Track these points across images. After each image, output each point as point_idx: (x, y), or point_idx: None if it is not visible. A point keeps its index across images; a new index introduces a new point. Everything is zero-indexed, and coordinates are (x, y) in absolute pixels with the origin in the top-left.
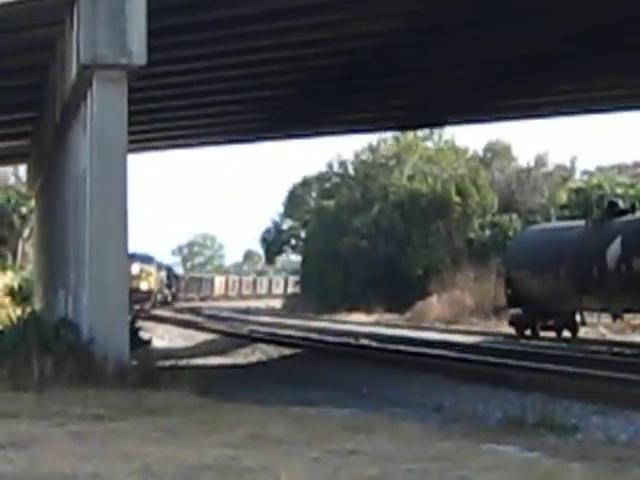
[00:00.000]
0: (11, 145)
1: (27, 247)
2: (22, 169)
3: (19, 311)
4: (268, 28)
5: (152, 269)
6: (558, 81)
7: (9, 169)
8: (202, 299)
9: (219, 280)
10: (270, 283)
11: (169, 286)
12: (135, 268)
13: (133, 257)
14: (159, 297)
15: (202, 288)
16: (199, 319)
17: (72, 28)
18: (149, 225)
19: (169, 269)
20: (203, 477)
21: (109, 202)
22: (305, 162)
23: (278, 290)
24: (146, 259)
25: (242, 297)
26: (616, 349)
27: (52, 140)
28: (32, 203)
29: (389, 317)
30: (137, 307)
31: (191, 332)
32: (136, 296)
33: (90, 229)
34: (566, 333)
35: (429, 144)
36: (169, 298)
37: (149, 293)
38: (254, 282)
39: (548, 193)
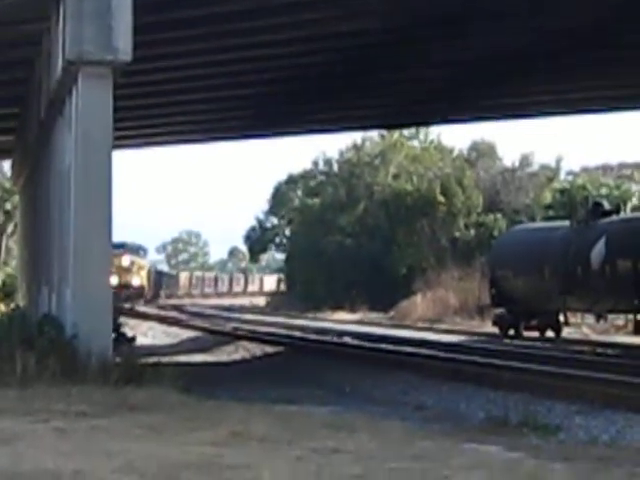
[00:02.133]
0: None
1: (11, 243)
2: (6, 165)
3: (2, 307)
4: (250, 26)
5: (145, 262)
6: (541, 81)
7: None
8: (167, 297)
9: (184, 276)
10: (231, 280)
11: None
12: (125, 260)
13: (123, 248)
14: (150, 295)
15: (167, 285)
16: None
17: (58, 24)
18: (133, 222)
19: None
20: (185, 475)
21: (93, 199)
22: (290, 160)
23: (253, 287)
24: (138, 250)
25: (204, 295)
26: (599, 350)
27: (37, 136)
28: (16, 199)
29: (373, 316)
30: (127, 305)
31: (175, 330)
32: (126, 293)
33: (74, 225)
34: (550, 333)
35: (415, 143)
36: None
37: (141, 289)
38: (215, 279)
39: (533, 193)
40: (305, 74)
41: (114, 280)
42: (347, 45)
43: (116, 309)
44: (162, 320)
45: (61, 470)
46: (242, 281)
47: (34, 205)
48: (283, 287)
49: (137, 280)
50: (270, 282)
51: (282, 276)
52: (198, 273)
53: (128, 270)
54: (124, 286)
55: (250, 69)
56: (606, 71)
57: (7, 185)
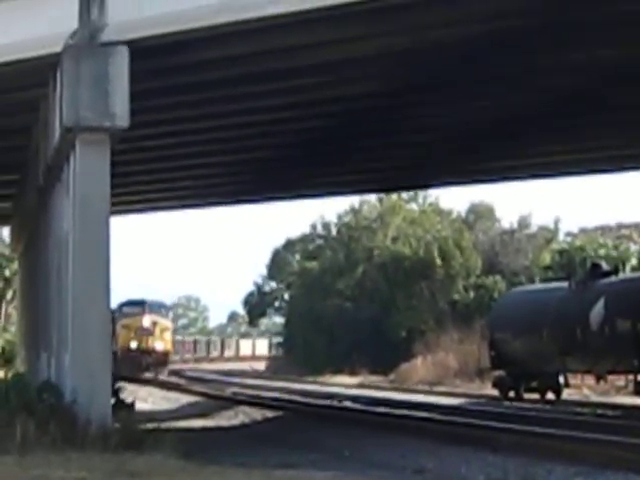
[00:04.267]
0: None
1: (10, 309)
2: (5, 231)
3: (2, 373)
4: (247, 91)
5: (168, 322)
6: (538, 144)
7: None
8: None
9: None
10: (208, 345)
11: None
12: (146, 321)
13: (142, 306)
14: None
15: None
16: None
17: (55, 90)
18: (132, 288)
19: None
20: None
21: (92, 265)
22: (289, 225)
23: (229, 352)
24: (160, 308)
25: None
26: (600, 411)
27: (35, 202)
28: (15, 265)
29: (373, 379)
30: (149, 374)
31: (175, 395)
32: (147, 360)
33: (73, 291)
34: (550, 395)
35: (413, 206)
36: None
37: (165, 355)
38: (194, 343)
39: (532, 254)
40: (303, 139)
41: (133, 344)
42: (344, 110)
43: (114, 375)
44: None
45: None
46: (219, 345)
47: (33, 271)
48: (275, 352)
49: (160, 344)
50: (262, 346)
51: (274, 340)
52: (178, 337)
53: (149, 332)
54: (145, 351)
55: (248, 134)
56: (601, 133)
57: (6, 252)
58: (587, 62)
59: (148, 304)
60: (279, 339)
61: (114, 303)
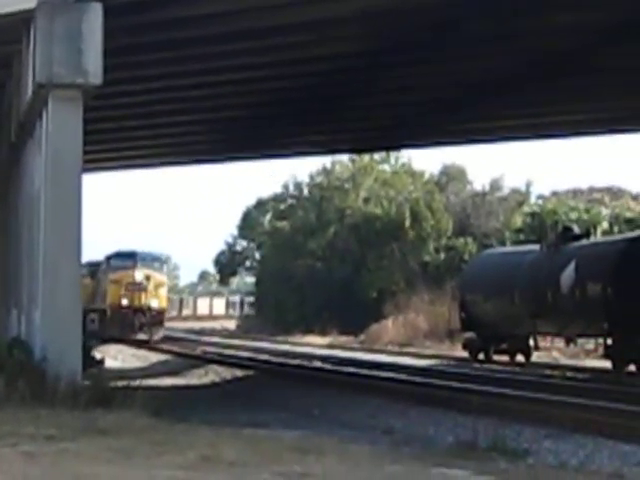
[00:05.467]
0: None
1: None
2: None
3: None
4: (222, 50)
5: (163, 276)
6: (509, 106)
7: None
8: None
9: None
10: (181, 304)
11: None
12: (139, 275)
13: (133, 259)
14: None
15: None
16: None
17: (29, 47)
18: (102, 244)
19: None
20: None
21: (63, 220)
22: (260, 184)
23: (187, 311)
24: (153, 261)
25: None
26: (569, 374)
27: (7, 158)
28: None
29: (343, 339)
30: (142, 337)
31: (145, 353)
32: (142, 319)
33: (44, 247)
34: (520, 357)
35: (385, 167)
36: None
37: (161, 314)
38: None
39: (503, 217)
40: (278, 98)
41: (124, 301)
42: (322, 70)
43: (103, 337)
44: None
45: None
46: (177, 305)
47: (4, 227)
48: (233, 311)
49: (155, 301)
50: (219, 305)
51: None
52: None
53: (142, 288)
54: (138, 309)
55: (221, 93)
56: (575, 96)
57: None
58: (560, 26)
59: (140, 256)
60: (250, 298)
61: (95, 257)
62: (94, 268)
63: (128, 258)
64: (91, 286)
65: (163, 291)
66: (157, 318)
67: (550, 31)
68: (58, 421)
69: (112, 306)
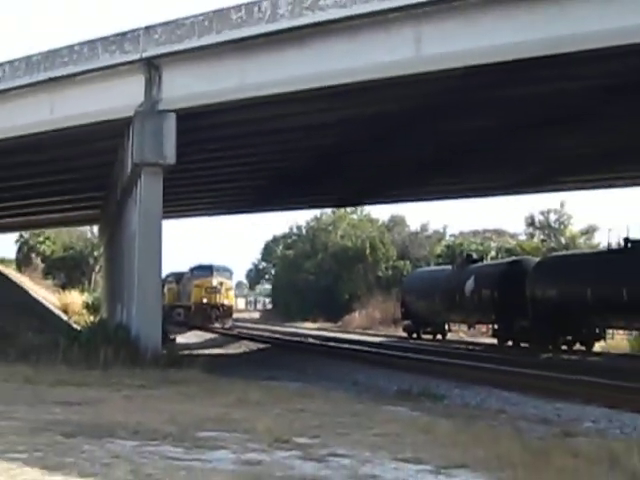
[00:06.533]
0: (88, 213)
1: (97, 277)
2: (95, 228)
3: (92, 318)
4: (250, 142)
5: (231, 283)
6: (428, 180)
7: (87, 228)
8: None
9: None
10: None
11: None
12: (214, 281)
13: (210, 270)
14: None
15: None
16: None
17: (128, 139)
18: (178, 262)
19: None
20: (207, 425)
21: (149, 251)
22: (276, 226)
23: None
24: (224, 272)
25: None
26: (470, 347)
27: (115, 211)
28: (101, 250)
29: (327, 325)
30: (218, 325)
31: (201, 332)
32: (216, 313)
33: (138, 267)
34: (439, 336)
35: (354, 216)
36: None
37: (230, 309)
38: None
39: (428, 248)
40: (284, 174)
41: (204, 300)
42: (311, 155)
43: (188, 324)
44: None
45: (128, 421)
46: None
47: (113, 255)
48: (250, 307)
49: (226, 300)
50: (241, 303)
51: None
52: None
53: (217, 290)
54: (214, 306)
55: (252, 169)
56: (476, 172)
57: (95, 241)
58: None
59: (215, 267)
60: (267, 299)
61: (176, 269)
62: (178, 277)
63: (207, 269)
64: (176, 289)
65: (231, 293)
66: (227, 312)
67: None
68: (146, 376)
69: (195, 303)
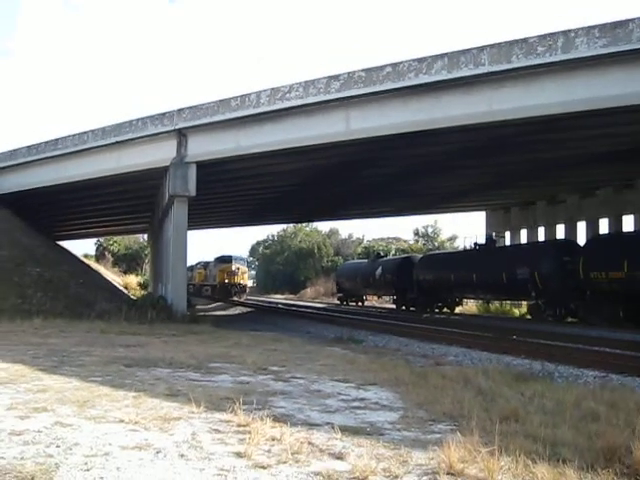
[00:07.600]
0: (141, 226)
1: (146, 267)
2: (145, 235)
3: (143, 292)
4: (253, 182)
5: (245, 268)
6: (354, 206)
7: (140, 235)
8: None
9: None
10: None
11: None
12: (233, 267)
13: (230, 258)
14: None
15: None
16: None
17: (166, 180)
18: (200, 256)
19: None
20: (215, 358)
21: (179, 251)
22: (259, 233)
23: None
24: (241, 260)
25: None
26: (379, 310)
27: (158, 224)
28: (149, 249)
29: (290, 296)
30: (236, 298)
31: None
32: (234, 289)
33: (172, 261)
34: (360, 304)
35: (307, 228)
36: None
37: (244, 287)
38: None
39: (352, 249)
40: (267, 203)
41: (226, 280)
42: (282, 190)
43: (213, 297)
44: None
45: (165, 356)
46: None
47: (157, 253)
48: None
49: (242, 281)
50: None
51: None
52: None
53: (235, 274)
54: (233, 285)
55: (248, 199)
56: (382, 203)
57: (145, 243)
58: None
59: (234, 257)
60: (254, 280)
61: (207, 258)
62: (205, 264)
63: (228, 258)
64: (204, 273)
65: (246, 275)
66: (243, 289)
67: (374, 175)
68: (176, 328)
69: (220, 283)
